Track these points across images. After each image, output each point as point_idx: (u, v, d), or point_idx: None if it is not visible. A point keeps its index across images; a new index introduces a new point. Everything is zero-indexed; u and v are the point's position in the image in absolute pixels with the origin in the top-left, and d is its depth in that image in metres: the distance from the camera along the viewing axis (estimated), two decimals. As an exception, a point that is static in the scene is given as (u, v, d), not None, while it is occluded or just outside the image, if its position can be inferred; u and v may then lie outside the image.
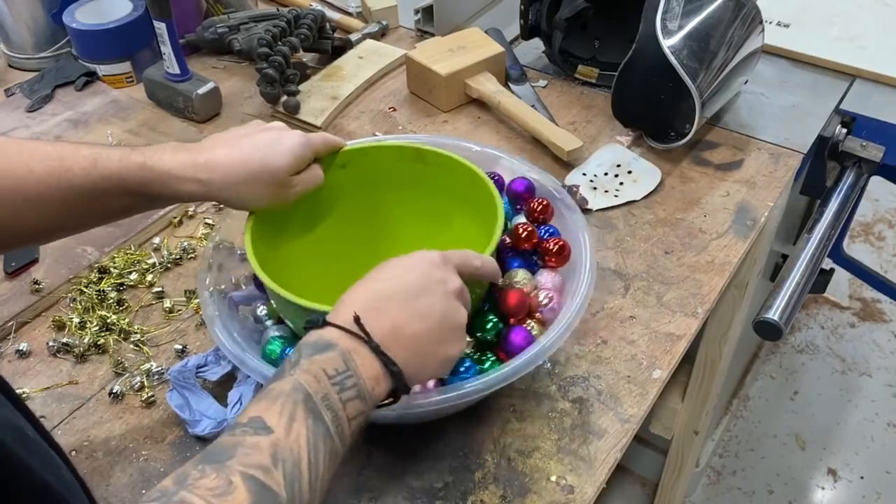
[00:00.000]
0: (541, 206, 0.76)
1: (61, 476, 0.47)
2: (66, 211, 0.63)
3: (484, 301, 0.69)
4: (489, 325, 0.67)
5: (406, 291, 0.56)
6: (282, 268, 0.68)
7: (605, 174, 0.99)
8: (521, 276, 0.71)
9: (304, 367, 0.51)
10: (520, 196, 0.78)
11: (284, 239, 0.73)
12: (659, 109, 1.00)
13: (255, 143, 0.67)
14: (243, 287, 0.73)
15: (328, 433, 0.49)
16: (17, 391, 0.75)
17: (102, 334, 0.80)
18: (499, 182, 0.79)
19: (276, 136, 0.68)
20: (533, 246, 0.74)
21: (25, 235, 0.65)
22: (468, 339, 0.67)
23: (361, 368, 0.52)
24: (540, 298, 0.70)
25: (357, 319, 0.53)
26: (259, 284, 0.71)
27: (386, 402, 0.55)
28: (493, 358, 0.67)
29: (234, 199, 0.67)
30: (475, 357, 0.67)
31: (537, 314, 0.70)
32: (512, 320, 0.69)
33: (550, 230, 0.76)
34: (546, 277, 0.73)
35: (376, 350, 0.53)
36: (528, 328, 0.68)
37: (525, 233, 0.73)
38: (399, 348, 0.54)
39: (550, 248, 0.73)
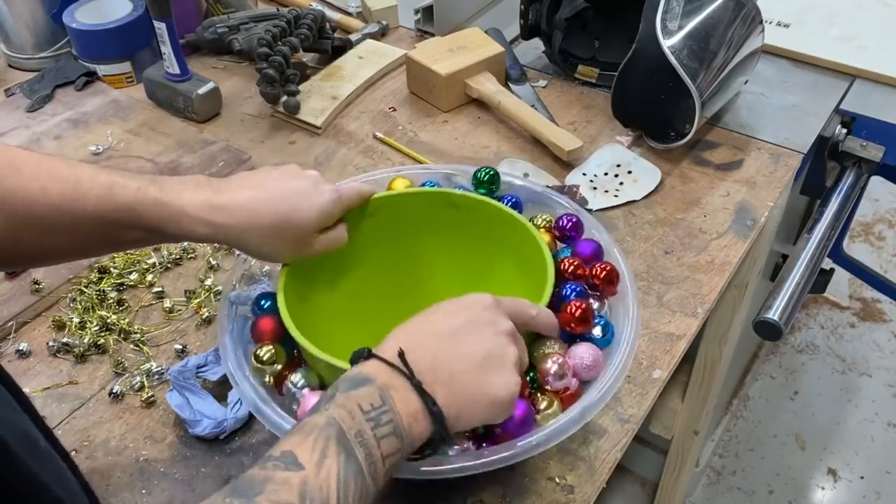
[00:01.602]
0: (604, 273, 0.67)
1: (71, 489, 0.46)
2: (76, 236, 0.59)
3: None
4: None
5: (453, 330, 0.54)
6: (313, 319, 0.66)
7: (605, 174, 0.99)
8: (553, 345, 0.63)
9: (339, 401, 0.49)
10: (586, 260, 0.69)
11: (315, 290, 0.70)
12: (659, 109, 1.00)
13: (284, 192, 0.62)
14: (245, 287, 0.73)
15: (360, 471, 0.47)
16: (17, 391, 0.75)
17: (102, 334, 0.80)
18: (517, 205, 0.74)
19: (309, 187, 0.63)
20: (585, 331, 0.64)
21: (30, 256, 0.63)
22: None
23: (399, 404, 0.50)
24: (549, 366, 0.61)
25: (401, 354, 0.51)
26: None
27: (426, 451, 0.53)
28: None
29: (250, 248, 0.63)
30: None
31: (546, 388, 0.61)
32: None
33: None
34: (584, 350, 0.62)
35: (417, 387, 0.50)
36: (537, 400, 0.60)
37: (579, 311, 0.63)
38: (441, 387, 0.51)
39: (598, 273, 0.66)
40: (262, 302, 0.68)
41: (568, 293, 0.65)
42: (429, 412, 0.50)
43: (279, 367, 0.63)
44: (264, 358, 0.62)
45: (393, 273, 0.76)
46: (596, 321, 0.65)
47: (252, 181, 0.63)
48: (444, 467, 0.55)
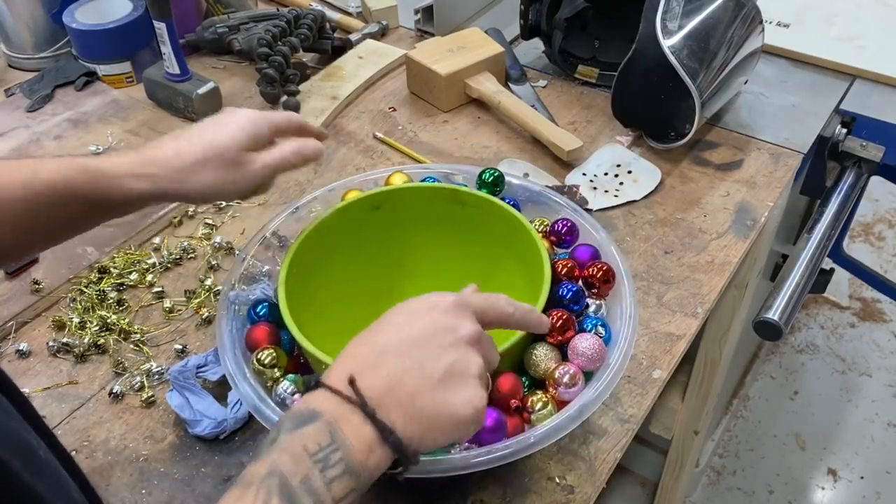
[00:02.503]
0: (601, 272, 0.68)
1: (71, 499, 0.45)
2: (19, 226, 0.59)
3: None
4: None
5: (410, 341, 0.49)
6: (314, 316, 0.66)
7: (605, 174, 0.99)
8: (539, 353, 0.63)
9: (282, 444, 0.45)
10: (581, 263, 0.70)
11: (317, 285, 0.70)
12: (659, 109, 1.00)
13: (201, 127, 0.65)
14: (244, 287, 0.73)
15: None
16: (17, 391, 0.75)
17: (102, 334, 0.80)
18: (515, 207, 0.74)
19: (226, 114, 0.66)
20: (564, 340, 0.64)
21: None
22: None
23: (351, 437, 0.45)
24: (559, 375, 0.61)
25: (352, 381, 0.47)
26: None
27: (395, 471, 0.48)
28: None
29: (191, 191, 0.64)
30: None
31: (551, 390, 0.62)
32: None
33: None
34: (584, 343, 0.63)
35: (371, 416, 0.45)
36: (538, 402, 0.60)
37: (560, 321, 0.63)
38: (398, 410, 0.46)
39: (595, 273, 0.67)
40: (259, 309, 0.67)
41: (564, 293, 0.66)
42: (386, 441, 0.46)
43: (279, 371, 0.63)
44: (265, 361, 0.62)
45: (397, 267, 0.77)
46: (593, 321, 0.66)
47: (173, 135, 0.65)
48: (432, 467, 0.55)
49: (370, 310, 0.73)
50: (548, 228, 0.74)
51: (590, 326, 0.65)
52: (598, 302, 0.68)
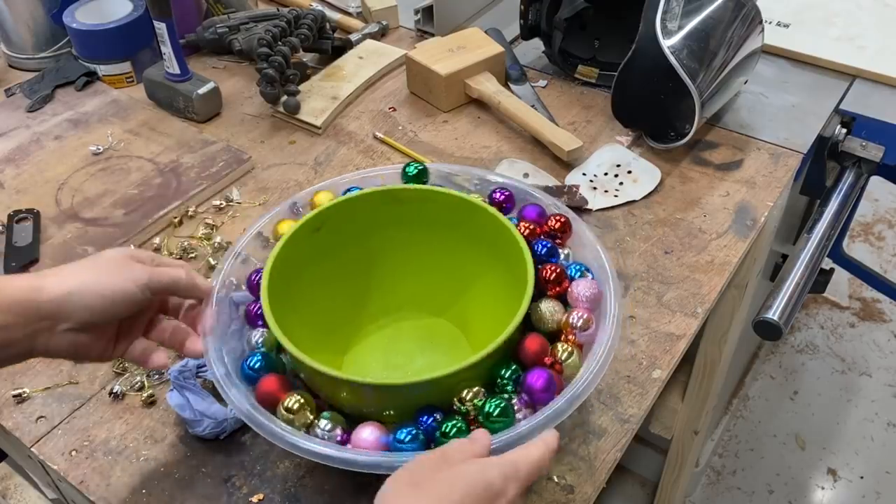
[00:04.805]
0: (560, 224, 0.72)
1: None
2: None
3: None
4: (507, 373, 0.62)
5: None
6: (301, 336, 0.65)
7: (605, 174, 0.99)
8: (546, 309, 0.65)
9: None
10: (535, 221, 0.73)
11: (296, 305, 0.69)
12: (659, 109, 1.00)
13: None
14: (243, 288, 0.73)
15: None
16: (18, 391, 0.75)
17: (102, 334, 0.80)
18: (509, 199, 0.75)
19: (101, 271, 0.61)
20: (562, 291, 0.67)
21: None
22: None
23: None
24: (573, 320, 0.64)
25: None
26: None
27: None
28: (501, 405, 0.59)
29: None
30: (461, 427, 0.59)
31: (570, 338, 0.65)
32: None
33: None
34: (582, 287, 0.66)
35: None
36: (563, 352, 0.63)
37: (554, 275, 0.67)
38: None
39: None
40: (254, 363, 0.63)
41: (540, 250, 0.69)
42: None
43: (311, 412, 0.61)
44: (294, 408, 0.60)
45: (372, 272, 0.77)
46: (576, 267, 0.70)
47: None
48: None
49: (357, 318, 0.76)
50: (487, 200, 0.75)
51: (575, 272, 0.69)
52: (566, 251, 0.72)
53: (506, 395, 0.61)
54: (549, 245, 0.70)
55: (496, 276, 0.72)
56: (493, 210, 0.70)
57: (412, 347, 0.77)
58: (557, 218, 0.72)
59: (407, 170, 0.77)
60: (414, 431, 0.58)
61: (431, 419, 0.60)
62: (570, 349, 0.63)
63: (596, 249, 0.70)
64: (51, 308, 0.57)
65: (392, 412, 0.61)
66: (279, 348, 0.66)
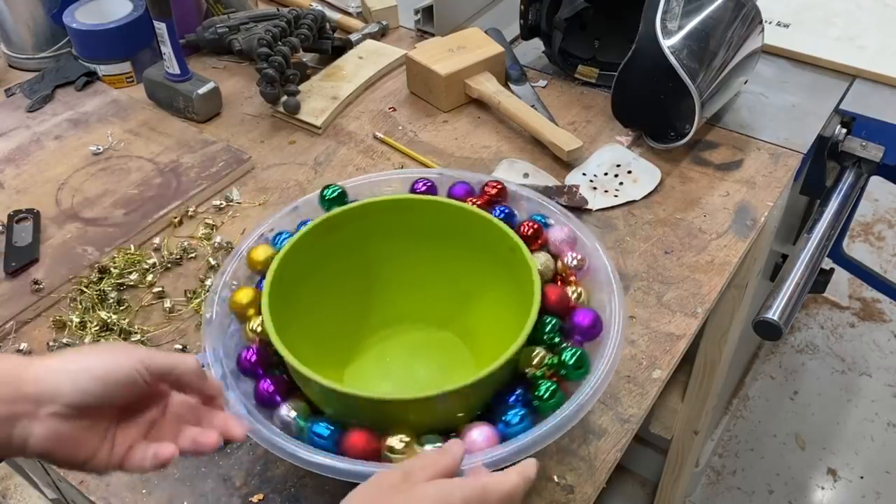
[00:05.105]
0: (532, 231, 0.72)
1: None
2: None
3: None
4: (548, 328, 0.63)
5: None
6: (301, 338, 0.65)
7: (605, 174, 0.99)
8: (542, 261, 0.69)
9: None
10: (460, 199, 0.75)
11: (297, 317, 0.69)
12: (659, 109, 1.00)
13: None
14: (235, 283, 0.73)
15: None
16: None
17: (103, 334, 0.80)
18: (510, 217, 0.74)
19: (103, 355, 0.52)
20: (543, 242, 0.72)
21: None
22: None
23: None
24: (568, 262, 0.69)
25: None
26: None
27: None
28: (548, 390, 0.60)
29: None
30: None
31: (572, 279, 0.69)
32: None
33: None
34: (557, 232, 0.71)
35: None
36: (574, 294, 0.67)
37: (531, 231, 0.71)
38: None
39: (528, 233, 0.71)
40: (322, 431, 0.60)
41: (498, 214, 0.72)
42: None
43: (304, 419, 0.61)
44: (400, 448, 0.58)
45: (375, 278, 0.76)
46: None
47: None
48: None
49: (357, 320, 0.75)
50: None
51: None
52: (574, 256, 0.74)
53: (568, 345, 0.63)
54: (507, 210, 0.73)
55: (499, 285, 0.72)
56: (493, 218, 0.70)
57: (411, 359, 0.76)
58: (530, 224, 0.72)
59: (324, 193, 0.75)
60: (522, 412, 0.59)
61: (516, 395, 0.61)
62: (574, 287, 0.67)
63: (596, 250, 0.70)
64: (35, 387, 0.48)
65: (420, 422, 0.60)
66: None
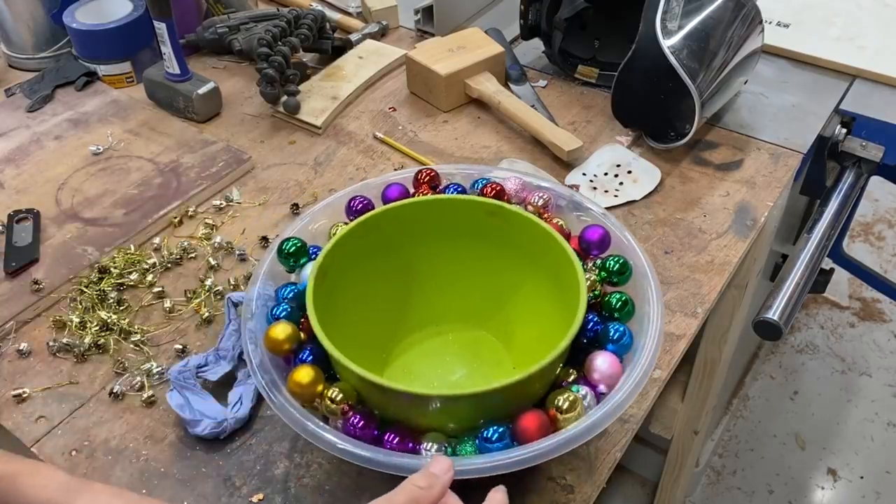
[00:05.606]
0: (494, 192, 0.73)
1: None
2: None
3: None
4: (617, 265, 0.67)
5: None
6: (339, 327, 0.64)
7: (605, 174, 0.99)
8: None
9: None
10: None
11: (341, 299, 0.68)
12: (659, 109, 1.00)
13: None
14: (242, 288, 0.73)
15: None
16: (18, 391, 0.75)
17: (103, 334, 0.80)
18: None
19: None
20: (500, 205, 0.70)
21: None
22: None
23: None
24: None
25: None
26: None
27: None
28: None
29: None
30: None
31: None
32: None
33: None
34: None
35: None
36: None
37: (494, 193, 0.72)
38: None
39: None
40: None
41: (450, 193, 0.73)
42: None
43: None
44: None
45: (418, 277, 0.75)
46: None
47: None
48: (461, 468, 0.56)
49: (394, 320, 0.74)
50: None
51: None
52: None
53: (619, 295, 0.65)
54: (486, 180, 0.73)
55: (538, 285, 0.71)
56: (535, 218, 0.68)
57: (450, 358, 0.75)
58: (493, 186, 0.73)
59: (283, 246, 0.70)
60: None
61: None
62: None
63: (635, 251, 0.69)
64: None
65: (453, 424, 0.60)
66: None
